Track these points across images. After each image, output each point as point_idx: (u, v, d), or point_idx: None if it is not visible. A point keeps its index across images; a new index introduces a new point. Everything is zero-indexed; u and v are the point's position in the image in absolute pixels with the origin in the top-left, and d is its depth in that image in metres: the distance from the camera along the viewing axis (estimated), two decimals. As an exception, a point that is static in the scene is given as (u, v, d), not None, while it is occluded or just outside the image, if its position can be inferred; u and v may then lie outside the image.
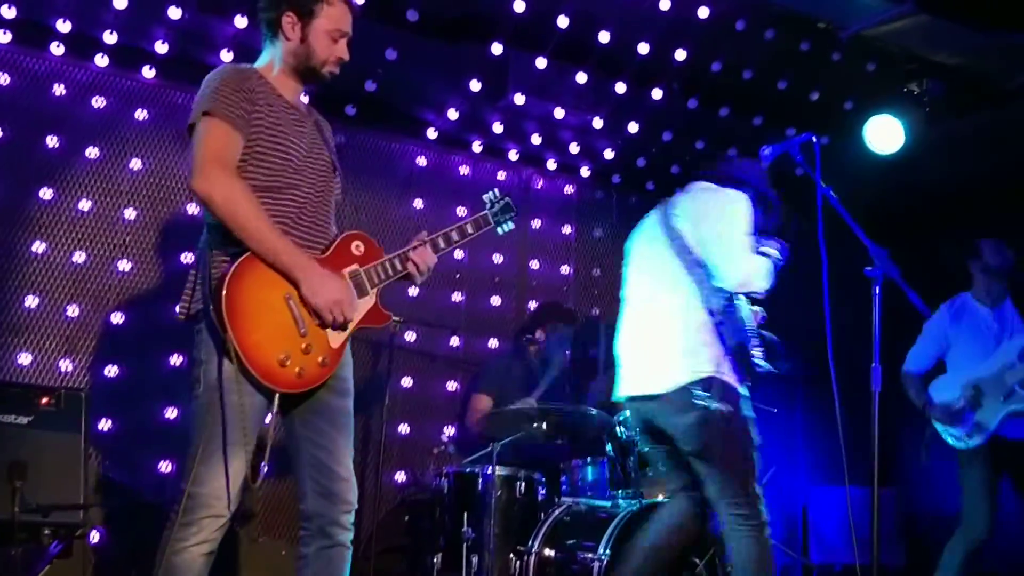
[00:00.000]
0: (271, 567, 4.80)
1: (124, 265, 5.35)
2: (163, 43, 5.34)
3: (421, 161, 6.37)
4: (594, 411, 5.21)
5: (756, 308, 4.06)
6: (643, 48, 5.83)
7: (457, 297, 6.46)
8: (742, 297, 3.91)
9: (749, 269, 3.75)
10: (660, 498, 5.00)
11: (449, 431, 6.01)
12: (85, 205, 5.29)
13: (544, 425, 5.26)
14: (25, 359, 5.03)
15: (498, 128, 6.29)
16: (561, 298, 6.80)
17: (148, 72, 5.44)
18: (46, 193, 5.19)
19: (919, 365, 5.55)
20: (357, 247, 3.14)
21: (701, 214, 3.87)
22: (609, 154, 6.69)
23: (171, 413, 5.31)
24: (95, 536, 4.91)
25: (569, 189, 7.03)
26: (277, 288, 2.92)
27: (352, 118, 5.92)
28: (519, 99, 5.81)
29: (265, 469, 3.02)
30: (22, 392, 4.47)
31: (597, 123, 6.16)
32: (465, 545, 4.80)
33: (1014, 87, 6.15)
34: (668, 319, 3.86)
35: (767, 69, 6.09)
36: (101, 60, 5.32)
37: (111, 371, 5.22)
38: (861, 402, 3.69)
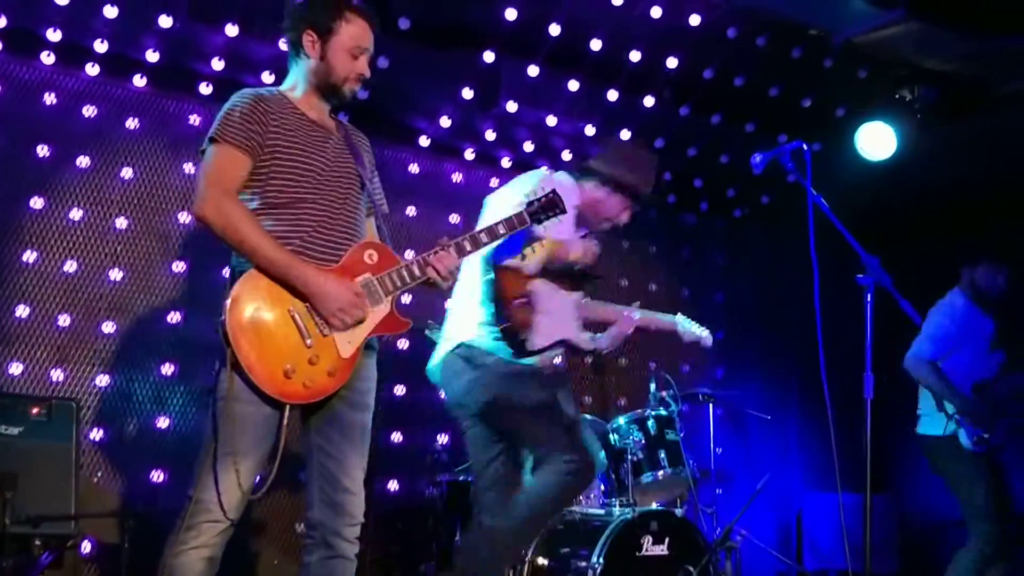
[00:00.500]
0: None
1: (115, 274, 5.33)
2: (154, 52, 5.33)
3: (414, 168, 6.37)
4: (588, 416, 5.20)
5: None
6: (635, 56, 5.84)
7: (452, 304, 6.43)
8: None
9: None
10: (654, 505, 5.01)
11: (442, 439, 6.00)
12: (76, 214, 5.27)
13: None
14: (16, 369, 5.01)
15: (491, 136, 6.29)
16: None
17: (139, 81, 5.43)
18: (37, 202, 5.18)
19: (942, 352, 5.33)
20: (370, 256, 3.16)
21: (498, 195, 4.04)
22: (601, 161, 6.69)
23: (163, 423, 5.29)
24: (86, 546, 4.88)
25: (562, 196, 7.01)
26: (282, 301, 2.96)
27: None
28: (511, 107, 5.81)
29: (258, 480, 3.02)
30: (13, 402, 4.46)
31: (590, 130, 6.17)
32: (458, 554, 4.79)
33: (1005, 93, 6.17)
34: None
35: (759, 76, 6.10)
36: (92, 69, 5.31)
37: (102, 381, 5.20)
38: (854, 409, 3.69)
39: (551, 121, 6.02)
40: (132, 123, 5.47)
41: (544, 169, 4.15)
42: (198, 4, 5.11)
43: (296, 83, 3.23)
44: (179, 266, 5.45)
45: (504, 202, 3.87)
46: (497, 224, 3.36)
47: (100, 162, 5.38)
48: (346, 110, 5.57)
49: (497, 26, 5.50)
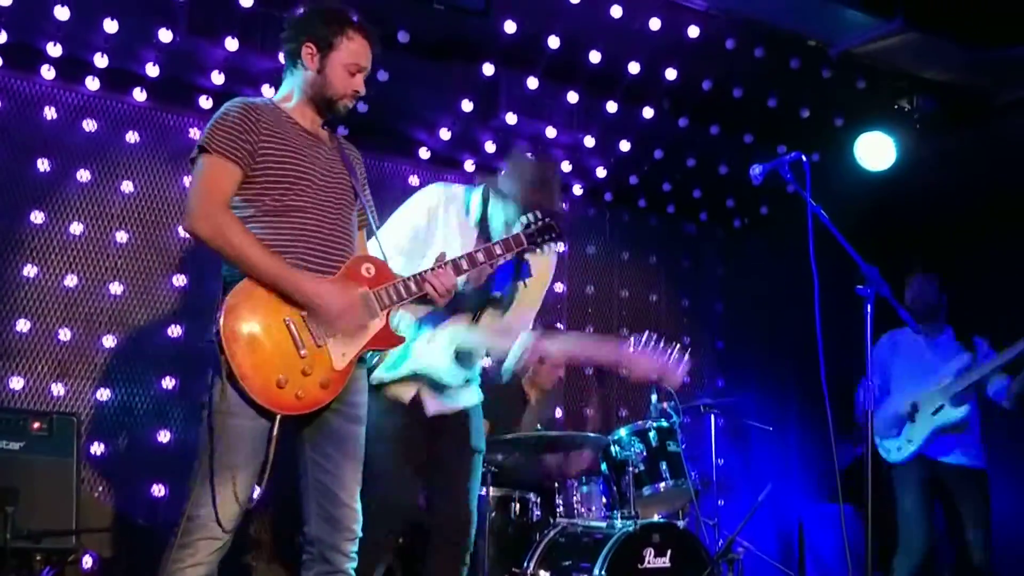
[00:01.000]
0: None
1: (116, 288, 5.33)
2: (154, 66, 5.34)
3: (414, 180, 6.36)
4: (591, 435, 5.20)
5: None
6: (634, 67, 5.85)
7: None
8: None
9: None
10: (656, 517, 5.00)
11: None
12: (76, 228, 5.27)
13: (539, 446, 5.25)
14: (17, 384, 5.00)
15: (490, 147, 6.30)
16: (555, 316, 6.80)
17: (139, 95, 5.44)
18: (37, 217, 5.18)
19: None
20: (367, 269, 3.15)
21: None
22: (601, 172, 6.70)
23: (164, 437, 5.28)
24: (87, 561, 4.87)
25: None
26: (277, 311, 2.95)
27: (344, 138, 5.89)
28: (511, 118, 5.83)
29: (256, 492, 3.01)
30: (14, 417, 4.46)
31: (589, 141, 6.18)
32: (460, 567, 4.77)
33: (1004, 103, 6.18)
34: None
35: (757, 87, 6.11)
36: (92, 83, 5.31)
37: (103, 395, 5.20)
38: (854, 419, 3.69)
39: (550, 132, 6.03)
40: (132, 137, 5.47)
41: (439, 185, 3.93)
42: (198, 18, 5.12)
43: (291, 93, 3.23)
44: (180, 279, 5.45)
45: (399, 221, 3.83)
46: (494, 244, 3.38)
47: (100, 176, 5.38)
48: (346, 122, 5.60)
49: (496, 38, 5.52)
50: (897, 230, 6.98)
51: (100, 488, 5.11)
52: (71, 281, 5.22)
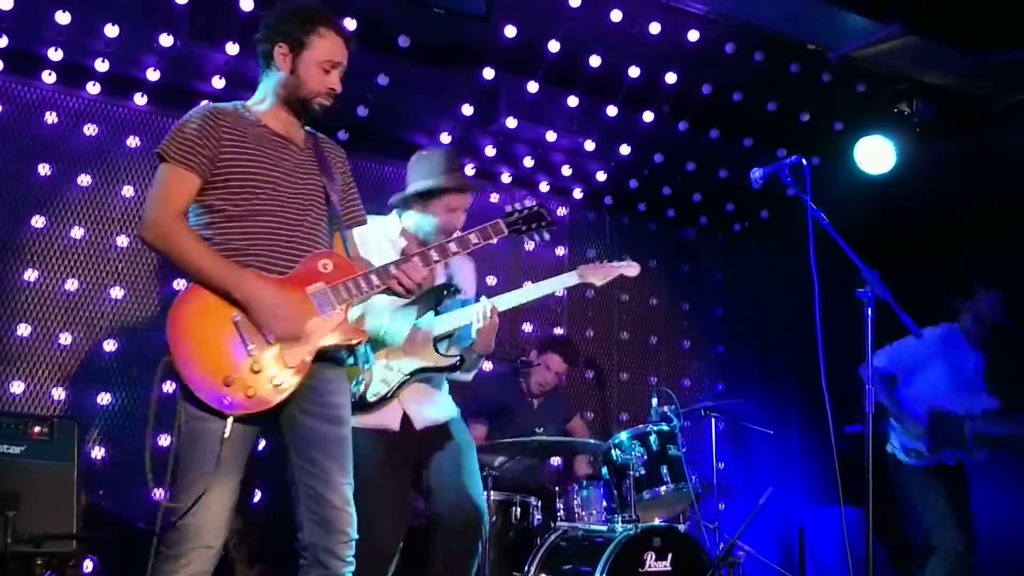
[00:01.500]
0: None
1: (117, 293, 5.33)
2: (154, 71, 5.34)
3: (413, 185, 6.37)
4: (591, 440, 5.20)
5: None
6: (633, 72, 5.86)
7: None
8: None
9: None
10: (657, 521, 5.00)
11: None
12: (77, 233, 5.28)
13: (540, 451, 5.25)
14: (17, 388, 5.01)
15: (490, 152, 6.30)
16: (555, 320, 6.80)
17: (140, 99, 5.45)
18: (38, 221, 5.19)
19: (892, 367, 5.52)
20: (324, 265, 3.12)
21: None
22: (601, 176, 6.72)
23: (164, 441, 5.27)
24: (88, 565, 4.85)
25: (562, 211, 7.04)
26: (225, 311, 2.95)
27: (344, 143, 5.84)
28: (511, 123, 5.84)
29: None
30: (14, 421, 4.44)
31: (589, 146, 6.19)
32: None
33: (1004, 107, 6.19)
34: None
35: (756, 91, 6.13)
36: (93, 88, 5.32)
37: (104, 399, 5.20)
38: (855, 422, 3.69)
39: (550, 137, 6.04)
40: (133, 141, 5.48)
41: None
42: (198, 23, 5.13)
43: (265, 96, 3.22)
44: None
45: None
46: (469, 233, 3.34)
47: (101, 180, 5.39)
48: (346, 127, 5.62)
49: (496, 43, 5.52)
50: (897, 234, 6.99)
51: (101, 492, 5.10)
52: (72, 285, 5.22)
